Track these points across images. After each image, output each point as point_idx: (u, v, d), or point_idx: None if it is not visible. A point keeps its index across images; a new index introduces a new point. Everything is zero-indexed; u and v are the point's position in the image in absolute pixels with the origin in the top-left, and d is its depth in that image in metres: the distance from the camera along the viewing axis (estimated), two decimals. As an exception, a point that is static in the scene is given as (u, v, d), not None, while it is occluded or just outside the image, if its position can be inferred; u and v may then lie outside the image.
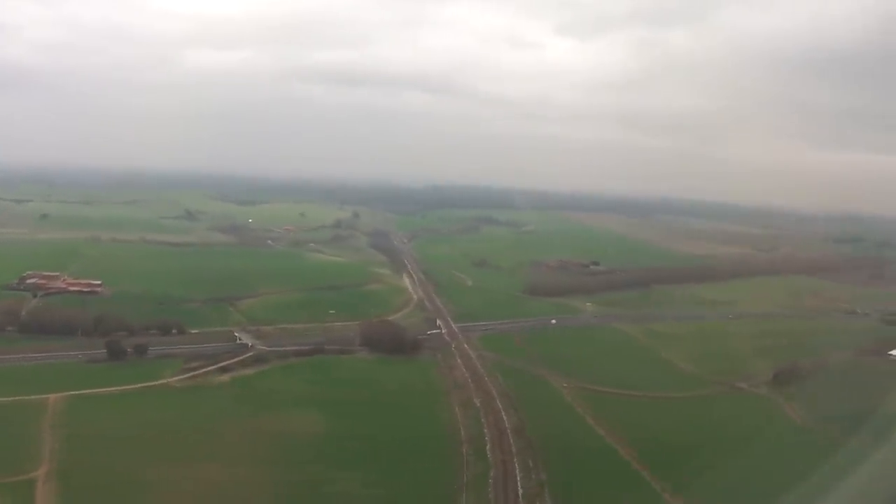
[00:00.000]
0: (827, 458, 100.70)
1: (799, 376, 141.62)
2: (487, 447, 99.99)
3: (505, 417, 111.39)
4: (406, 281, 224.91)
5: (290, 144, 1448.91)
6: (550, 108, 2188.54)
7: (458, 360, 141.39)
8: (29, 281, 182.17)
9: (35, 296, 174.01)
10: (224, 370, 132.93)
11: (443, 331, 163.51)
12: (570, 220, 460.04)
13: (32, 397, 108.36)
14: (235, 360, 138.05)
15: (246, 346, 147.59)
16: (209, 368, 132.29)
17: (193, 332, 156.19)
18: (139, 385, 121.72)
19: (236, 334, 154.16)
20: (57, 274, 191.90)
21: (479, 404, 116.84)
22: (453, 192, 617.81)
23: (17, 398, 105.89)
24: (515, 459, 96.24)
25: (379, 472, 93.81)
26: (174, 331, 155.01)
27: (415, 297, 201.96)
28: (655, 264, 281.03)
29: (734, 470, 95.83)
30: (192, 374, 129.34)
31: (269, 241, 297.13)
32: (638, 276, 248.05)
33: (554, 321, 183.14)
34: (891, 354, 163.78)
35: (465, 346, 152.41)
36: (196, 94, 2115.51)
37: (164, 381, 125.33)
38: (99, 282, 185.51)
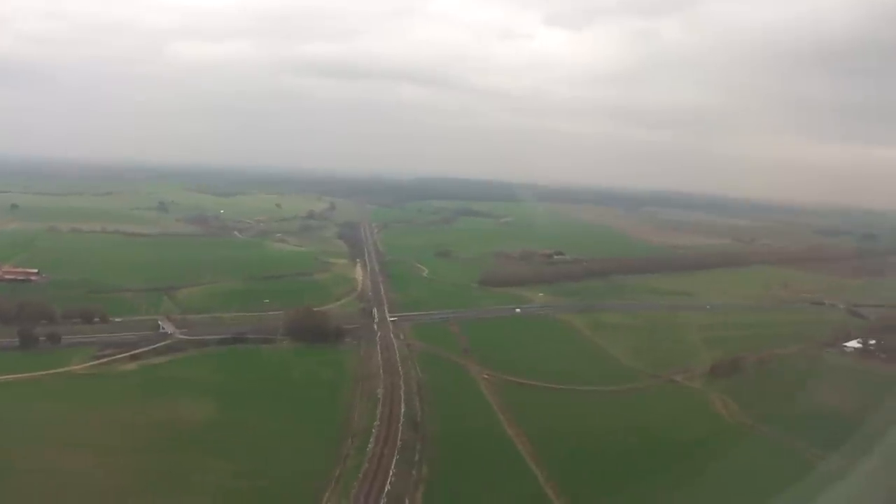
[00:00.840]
0: (749, 458, 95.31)
1: (740, 369, 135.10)
2: (371, 440, 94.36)
3: (403, 409, 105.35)
4: (358, 270, 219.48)
5: (283, 137, 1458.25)
6: (546, 101, 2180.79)
7: (380, 350, 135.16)
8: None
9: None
10: (134, 358, 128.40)
11: (375, 320, 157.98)
12: (556, 212, 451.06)
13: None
14: (149, 348, 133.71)
15: (166, 334, 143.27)
16: (119, 357, 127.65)
17: (117, 320, 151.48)
18: (42, 372, 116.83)
19: (160, 323, 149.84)
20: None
21: (381, 395, 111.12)
22: (442, 185, 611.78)
23: None
24: (396, 454, 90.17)
25: (253, 463, 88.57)
26: (97, 319, 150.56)
27: (360, 286, 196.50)
28: (627, 254, 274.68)
29: (638, 473, 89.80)
30: (98, 361, 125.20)
31: (236, 232, 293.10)
32: (603, 265, 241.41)
33: (519, 310, 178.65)
34: (846, 347, 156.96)
35: (393, 335, 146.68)
36: (188, 86, 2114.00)
37: (68, 368, 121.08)
38: (35, 270, 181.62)
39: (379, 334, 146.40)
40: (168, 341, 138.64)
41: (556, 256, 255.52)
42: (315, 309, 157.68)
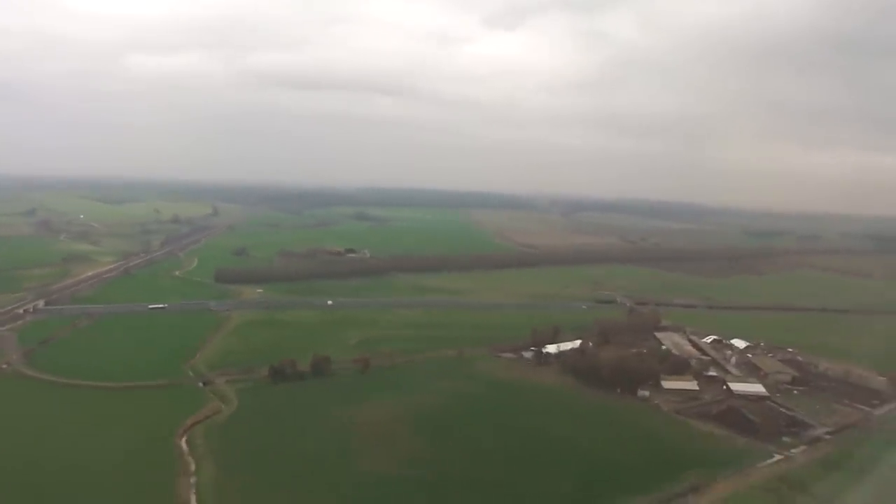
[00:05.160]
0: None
1: (323, 372, 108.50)
2: None
3: None
4: (105, 265, 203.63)
5: (241, 150, 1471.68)
6: (520, 110, 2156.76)
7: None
8: None
9: None
10: None
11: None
12: (458, 216, 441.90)
13: None
14: None
15: None
16: None
17: None
18: None
19: None
20: None
21: None
22: (382, 194, 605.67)
23: None
24: None
25: None
26: None
27: (71, 280, 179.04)
28: (457, 253, 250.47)
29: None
30: None
31: (63, 234, 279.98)
32: (393, 263, 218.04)
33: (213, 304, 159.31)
34: (525, 353, 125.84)
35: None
36: (145, 100, 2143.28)
37: None
38: None
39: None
40: None
41: (348, 255, 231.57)
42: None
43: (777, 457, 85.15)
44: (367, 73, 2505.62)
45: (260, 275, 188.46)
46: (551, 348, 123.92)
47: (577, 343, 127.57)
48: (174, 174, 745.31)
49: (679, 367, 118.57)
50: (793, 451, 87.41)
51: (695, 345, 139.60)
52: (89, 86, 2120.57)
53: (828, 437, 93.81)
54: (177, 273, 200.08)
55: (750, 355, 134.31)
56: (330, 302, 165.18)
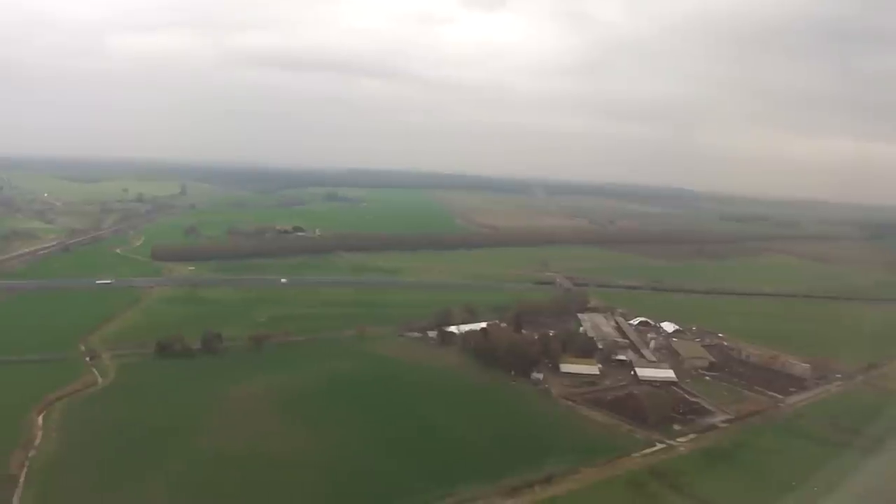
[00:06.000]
0: None
1: (214, 350, 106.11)
2: None
3: None
4: (42, 243, 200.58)
5: (231, 130, 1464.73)
6: (506, 94, 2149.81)
7: None
8: None
9: None
10: None
11: None
12: (432, 198, 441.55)
13: None
14: None
15: None
16: None
17: None
18: None
19: None
20: None
21: None
22: (371, 176, 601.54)
23: None
24: None
25: None
26: None
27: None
28: (408, 232, 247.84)
29: None
30: None
31: (20, 212, 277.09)
32: (338, 242, 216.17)
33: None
34: (430, 333, 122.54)
35: None
36: (131, 80, 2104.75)
37: None
38: None
39: None
40: None
41: (296, 233, 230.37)
42: None
43: (658, 445, 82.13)
44: (352, 55, 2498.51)
45: (199, 252, 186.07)
46: (454, 328, 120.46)
47: (484, 324, 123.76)
48: (158, 154, 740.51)
49: (586, 349, 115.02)
50: (679, 439, 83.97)
51: (618, 327, 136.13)
52: (71, 64, 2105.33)
53: (724, 425, 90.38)
54: (118, 250, 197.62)
55: (675, 339, 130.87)
56: (284, 280, 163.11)
